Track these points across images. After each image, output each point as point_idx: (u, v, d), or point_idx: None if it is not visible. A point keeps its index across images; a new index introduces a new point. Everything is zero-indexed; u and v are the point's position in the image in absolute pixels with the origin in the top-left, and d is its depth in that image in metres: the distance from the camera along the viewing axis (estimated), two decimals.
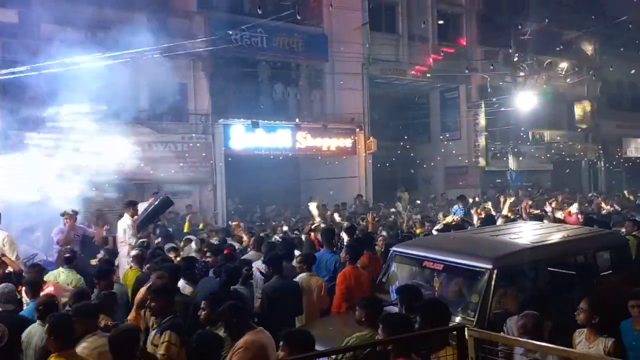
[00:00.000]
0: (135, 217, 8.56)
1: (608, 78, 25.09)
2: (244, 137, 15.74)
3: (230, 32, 15.56)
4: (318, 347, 3.84)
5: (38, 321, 4.54)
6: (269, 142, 16.13)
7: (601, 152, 25.16)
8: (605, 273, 6.29)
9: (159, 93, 12.17)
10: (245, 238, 9.10)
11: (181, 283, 5.88)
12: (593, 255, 6.27)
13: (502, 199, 12.72)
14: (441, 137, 21.93)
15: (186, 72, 14.96)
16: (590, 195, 18.41)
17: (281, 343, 3.67)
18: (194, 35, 14.77)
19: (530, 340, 2.57)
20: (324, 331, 5.61)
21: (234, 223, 10.64)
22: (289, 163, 18.44)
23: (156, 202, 9.05)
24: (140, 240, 8.18)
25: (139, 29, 11.14)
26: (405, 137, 21.14)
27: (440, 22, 20.32)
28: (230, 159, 15.81)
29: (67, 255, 6.60)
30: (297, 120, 16.68)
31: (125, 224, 8.39)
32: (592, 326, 4.10)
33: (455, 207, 12.87)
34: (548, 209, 12.34)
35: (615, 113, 25.75)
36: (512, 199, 12.67)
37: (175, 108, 14.75)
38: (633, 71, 23.28)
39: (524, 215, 11.27)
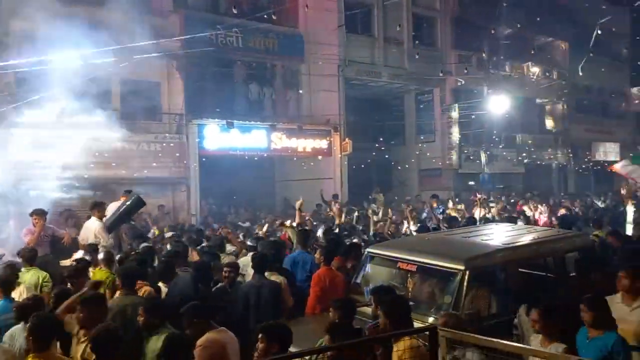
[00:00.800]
0: (104, 218, 8.36)
1: (578, 83, 25.70)
2: (219, 137, 15.61)
3: (206, 32, 15.44)
4: (292, 349, 3.83)
5: (22, 323, 4.47)
6: (244, 142, 16.03)
7: (571, 155, 25.75)
8: (573, 274, 6.41)
9: (132, 92, 11.99)
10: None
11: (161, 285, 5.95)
12: (562, 256, 6.39)
13: (476, 201, 12.92)
14: (416, 139, 22.13)
15: (160, 71, 14.77)
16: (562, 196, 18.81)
17: (260, 335, 3.70)
18: (169, 34, 14.60)
19: (500, 340, 2.60)
20: (297, 332, 5.59)
21: (224, 230, 10.43)
22: (264, 164, 18.37)
23: (128, 203, 8.88)
24: (144, 245, 7.90)
25: (112, 26, 10.96)
26: (381, 139, 21.27)
27: (416, 25, 20.51)
28: (204, 159, 15.66)
29: (29, 253, 6.44)
30: (272, 121, 16.63)
31: (93, 226, 8.15)
32: (544, 333, 4.15)
33: (434, 208, 13.03)
34: (528, 212, 12.57)
35: (585, 118, 26.43)
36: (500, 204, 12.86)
37: (149, 107, 14.55)
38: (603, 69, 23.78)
39: (496, 216, 11.46)
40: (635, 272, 4.64)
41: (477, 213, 11.69)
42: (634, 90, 29.05)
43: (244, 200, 17.57)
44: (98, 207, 8.33)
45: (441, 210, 13.05)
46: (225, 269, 6.35)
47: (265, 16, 14.49)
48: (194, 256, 7.60)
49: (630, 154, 20.03)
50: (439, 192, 17.85)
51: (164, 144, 14.88)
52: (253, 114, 16.66)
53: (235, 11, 13.36)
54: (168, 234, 9.93)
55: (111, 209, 9.03)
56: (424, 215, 13.09)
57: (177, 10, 15.18)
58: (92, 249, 7.19)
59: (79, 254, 7.32)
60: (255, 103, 17.40)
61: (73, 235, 8.84)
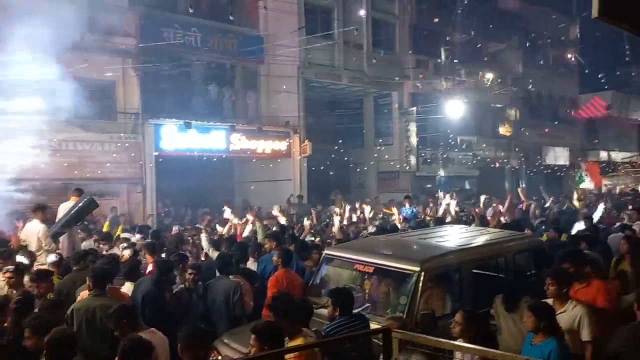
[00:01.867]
0: (47, 221, 8.09)
1: (530, 89, 26.57)
2: (176, 137, 15.35)
3: (163, 31, 15.19)
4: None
5: None
6: (202, 143, 15.83)
7: (523, 159, 26.57)
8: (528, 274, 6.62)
9: (85, 90, 11.66)
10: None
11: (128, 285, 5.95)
12: (513, 257, 6.59)
13: (431, 203, 13.15)
14: (375, 142, 22.39)
15: (115, 69, 14.44)
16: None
17: (252, 337, 3.77)
18: (124, 32, 14.29)
19: (449, 341, 2.67)
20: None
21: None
22: (223, 165, 18.19)
23: (80, 204, 8.63)
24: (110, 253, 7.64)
25: (65, 22, 10.63)
26: (340, 141, 21.41)
27: (375, 29, 20.76)
28: (161, 159, 15.38)
29: None
30: (231, 121, 16.49)
31: (36, 229, 7.86)
32: (467, 338, 4.20)
33: (404, 208, 13.16)
34: (489, 212, 12.88)
35: (536, 123, 27.31)
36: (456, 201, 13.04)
37: (103, 106, 14.20)
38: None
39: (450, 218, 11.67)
40: (558, 278, 4.81)
41: (441, 213, 11.89)
42: (583, 97, 30.27)
43: (203, 202, 17.35)
44: (42, 210, 8.07)
45: (412, 211, 13.16)
46: (189, 270, 6.32)
47: (230, 16, 14.35)
48: (147, 259, 7.47)
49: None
50: (397, 195, 18.13)
51: (119, 144, 14.55)
52: (212, 115, 16.48)
53: (191, 10, 13.10)
54: (123, 235, 9.69)
55: (62, 210, 8.79)
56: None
57: (133, 8, 14.85)
58: (27, 253, 6.97)
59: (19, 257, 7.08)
60: (214, 103, 17.21)
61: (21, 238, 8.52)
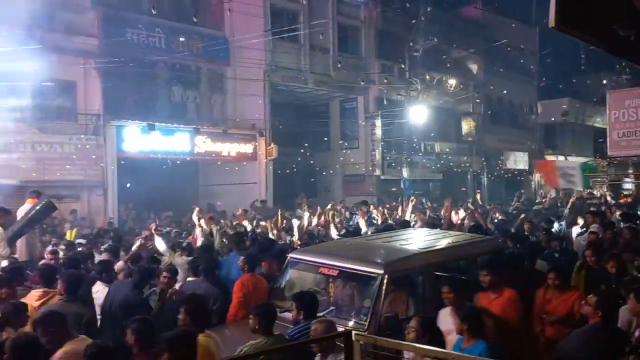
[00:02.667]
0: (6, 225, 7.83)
1: (491, 95, 27.21)
2: (139, 139, 15.09)
3: (126, 31, 14.92)
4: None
5: None
6: (166, 145, 15.61)
7: (484, 163, 27.17)
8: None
9: (45, 90, 11.36)
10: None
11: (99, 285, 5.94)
12: (474, 259, 6.72)
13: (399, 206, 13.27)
14: (340, 145, 22.50)
15: (76, 69, 14.11)
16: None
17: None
18: (86, 32, 13.98)
19: (411, 344, 2.71)
20: (220, 339, 5.52)
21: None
22: (188, 168, 17.97)
23: (38, 207, 8.37)
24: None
25: (23, 21, 10.34)
26: (306, 145, 21.44)
27: (341, 34, 20.90)
28: (123, 162, 15.09)
29: None
30: (196, 124, 16.32)
31: None
32: (421, 343, 4.28)
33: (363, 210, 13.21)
34: (454, 216, 13.07)
35: (497, 128, 28.00)
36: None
37: (63, 107, 13.86)
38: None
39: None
40: (453, 286, 5.19)
41: (408, 216, 12.00)
42: (541, 103, 31.16)
43: (166, 206, 17.07)
44: (3, 213, 7.82)
45: (369, 215, 13.23)
46: (164, 274, 6.19)
47: (194, 17, 14.19)
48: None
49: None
50: (362, 198, 18.22)
51: (79, 146, 14.24)
52: (176, 117, 16.28)
53: (154, 12, 12.87)
54: (79, 240, 9.43)
55: (20, 213, 8.51)
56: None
57: (95, 8, 14.54)
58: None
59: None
60: (179, 105, 17.01)
61: None
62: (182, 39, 16.30)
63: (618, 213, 13.43)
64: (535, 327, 5.55)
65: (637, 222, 10.57)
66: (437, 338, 4.12)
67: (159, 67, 16.50)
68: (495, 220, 12.89)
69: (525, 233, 9.66)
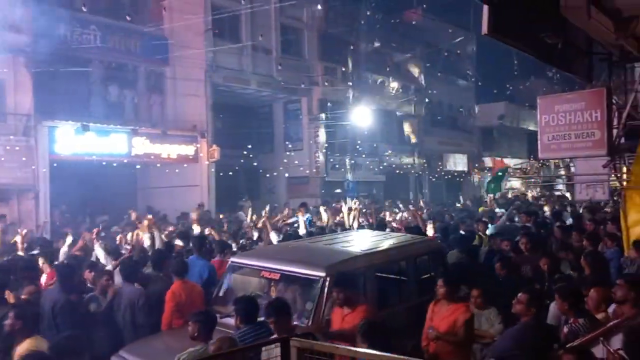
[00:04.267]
0: None
1: (431, 99, 27.95)
2: (73, 140, 14.43)
3: (60, 27, 14.26)
4: None
5: None
6: (102, 147, 15.01)
7: (425, 165, 27.86)
8: (425, 276, 6.91)
9: None
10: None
11: None
12: (414, 260, 6.85)
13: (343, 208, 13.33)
14: (284, 147, 22.44)
15: (4, 67, 13.38)
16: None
17: None
18: (16, 28, 13.27)
19: (346, 347, 2.71)
20: (153, 349, 5.35)
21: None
22: (125, 170, 17.37)
23: None
24: None
25: None
26: (249, 147, 21.24)
27: (284, 35, 20.86)
28: (56, 164, 14.42)
29: None
30: (134, 125, 15.81)
31: None
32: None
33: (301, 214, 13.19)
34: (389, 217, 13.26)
35: (438, 131, 28.79)
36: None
37: None
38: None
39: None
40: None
41: (350, 220, 12.03)
42: (479, 107, 32.30)
43: (102, 209, 16.45)
44: None
45: (308, 218, 13.25)
46: (105, 277, 6.13)
47: (127, 16, 13.71)
48: (45, 268, 7.05)
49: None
50: (306, 200, 18.23)
51: (8, 147, 13.51)
52: (112, 117, 15.69)
53: (84, 9, 12.26)
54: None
55: None
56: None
57: (26, 3, 13.82)
58: None
59: None
60: (115, 105, 16.40)
61: None
62: (118, 37, 15.75)
63: (547, 211, 14.14)
64: (423, 342, 5.22)
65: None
66: (381, 341, 4.15)
67: (93, 65, 15.85)
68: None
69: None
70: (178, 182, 17.38)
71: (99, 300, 5.99)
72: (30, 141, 13.95)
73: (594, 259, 6.37)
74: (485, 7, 4.08)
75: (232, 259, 6.57)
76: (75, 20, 14.79)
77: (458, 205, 20.29)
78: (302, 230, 10.10)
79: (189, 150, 17.30)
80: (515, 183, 30.77)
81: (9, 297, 5.67)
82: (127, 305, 5.79)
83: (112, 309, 5.86)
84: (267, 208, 12.25)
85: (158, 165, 17.34)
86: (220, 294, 6.31)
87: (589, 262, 6.26)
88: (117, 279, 6.38)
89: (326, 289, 5.44)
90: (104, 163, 15.40)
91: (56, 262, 7.27)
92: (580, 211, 12.81)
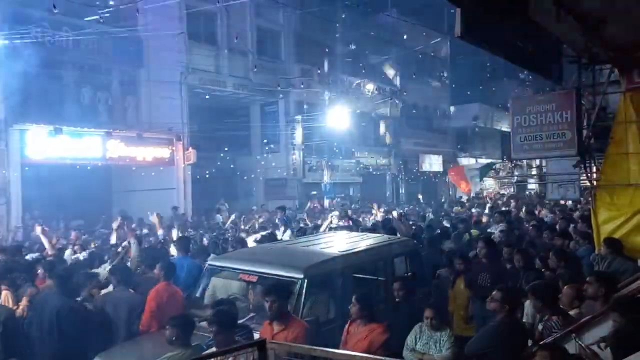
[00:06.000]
0: None
1: (407, 100, 28.17)
2: (45, 144, 14.19)
3: (30, 28, 13.96)
4: None
5: None
6: (76, 150, 14.79)
7: (402, 166, 28.07)
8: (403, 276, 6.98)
9: None
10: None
11: None
12: (391, 260, 6.91)
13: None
14: (261, 149, 22.38)
15: None
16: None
17: None
18: None
19: (324, 349, 2.73)
20: (132, 352, 5.30)
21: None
22: (100, 173, 17.11)
23: None
24: None
25: None
26: (226, 149, 21.12)
27: (260, 37, 20.82)
28: (27, 168, 14.14)
29: None
30: (108, 127, 15.59)
31: None
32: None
33: (279, 216, 13.22)
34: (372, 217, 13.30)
35: (413, 132, 29.02)
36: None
37: None
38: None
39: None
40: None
41: (326, 224, 12.06)
42: (453, 108, 32.68)
43: (77, 213, 16.17)
44: None
45: (284, 220, 13.26)
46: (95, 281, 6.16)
47: (101, 18, 13.48)
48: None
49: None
50: (284, 202, 18.22)
51: None
52: (86, 120, 15.42)
53: (55, 10, 11.97)
54: None
55: None
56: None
57: None
58: None
59: None
60: (89, 108, 16.12)
61: None
62: (92, 39, 15.50)
63: (524, 210, 14.40)
64: None
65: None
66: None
67: (66, 67, 15.57)
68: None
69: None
70: (154, 185, 17.20)
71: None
72: (1, 145, 13.68)
73: (564, 256, 6.51)
74: (458, 10, 4.15)
75: (210, 261, 6.55)
76: (47, 21, 14.50)
77: (458, 208, 20.16)
78: (279, 234, 10.11)
79: (164, 152, 17.14)
80: (490, 182, 31.23)
81: (8, 297, 5.58)
82: (126, 311, 5.76)
83: (105, 314, 5.80)
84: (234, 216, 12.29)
85: (133, 168, 17.13)
86: (198, 295, 6.28)
87: (560, 259, 6.40)
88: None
89: (304, 291, 5.46)
90: (77, 166, 15.14)
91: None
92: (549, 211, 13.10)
